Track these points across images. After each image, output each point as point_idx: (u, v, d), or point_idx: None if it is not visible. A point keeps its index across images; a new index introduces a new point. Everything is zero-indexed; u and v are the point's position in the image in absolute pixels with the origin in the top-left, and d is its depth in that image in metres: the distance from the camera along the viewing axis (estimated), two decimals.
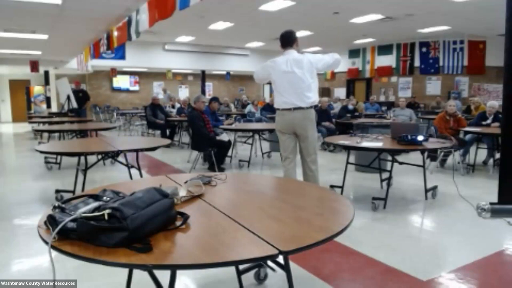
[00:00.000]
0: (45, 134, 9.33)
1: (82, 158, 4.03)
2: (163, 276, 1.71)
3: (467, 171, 5.76)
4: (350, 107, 8.89)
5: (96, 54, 9.98)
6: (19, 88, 17.21)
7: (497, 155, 5.99)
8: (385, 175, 4.74)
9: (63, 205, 1.33)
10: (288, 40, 3.74)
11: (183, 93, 18.11)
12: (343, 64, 15.75)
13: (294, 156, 3.82)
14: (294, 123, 3.67)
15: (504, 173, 1.53)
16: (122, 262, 1.10)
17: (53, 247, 1.17)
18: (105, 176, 5.70)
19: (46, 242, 1.19)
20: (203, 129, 5.74)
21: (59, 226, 1.18)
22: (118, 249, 1.15)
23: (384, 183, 4.63)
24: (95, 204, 1.29)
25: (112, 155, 4.00)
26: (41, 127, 8.72)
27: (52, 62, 15.10)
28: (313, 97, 3.65)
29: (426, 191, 4.36)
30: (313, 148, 3.75)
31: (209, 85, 18.82)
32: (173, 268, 1.44)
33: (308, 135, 3.69)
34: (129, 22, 6.95)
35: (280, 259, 1.36)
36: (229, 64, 15.74)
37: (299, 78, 3.59)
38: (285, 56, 3.70)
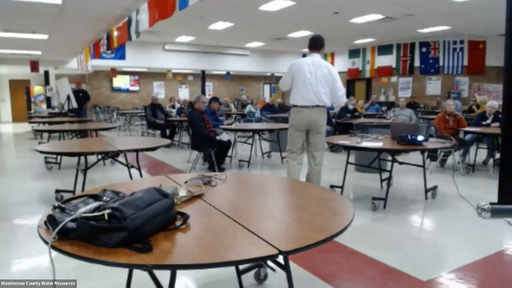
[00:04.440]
0: (45, 134, 9.33)
1: (82, 158, 4.03)
2: (163, 276, 1.71)
3: (467, 171, 5.76)
4: (350, 107, 8.89)
5: (96, 54, 9.98)
6: (19, 88, 17.21)
7: (497, 155, 5.99)
8: (385, 175, 4.74)
9: (63, 205, 1.33)
10: (316, 44, 3.98)
11: (183, 93, 18.11)
12: (343, 64, 15.77)
13: (302, 152, 4.07)
14: (310, 120, 3.89)
15: (504, 173, 1.53)
16: (122, 262, 1.10)
17: (53, 247, 1.17)
18: (105, 176, 5.69)
19: (46, 242, 1.19)
20: (203, 129, 5.74)
21: (59, 226, 1.18)
22: (118, 249, 1.15)
23: (384, 183, 4.63)
24: (95, 204, 1.29)
25: (112, 155, 4.00)
26: (41, 127, 8.72)
27: (52, 62, 15.09)
28: (327, 100, 3.92)
29: (426, 191, 4.36)
30: (322, 144, 4.01)
31: (209, 85, 18.81)
32: (173, 268, 1.44)
33: (321, 130, 3.95)
34: (129, 22, 6.95)
35: (280, 259, 1.36)
36: (229, 64, 15.73)
37: (319, 80, 3.84)
38: (311, 58, 3.93)
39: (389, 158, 4.33)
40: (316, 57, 3.92)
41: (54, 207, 1.33)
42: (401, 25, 10.41)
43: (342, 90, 3.98)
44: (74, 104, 8.99)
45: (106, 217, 1.17)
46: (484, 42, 12.24)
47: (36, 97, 16.16)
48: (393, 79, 14.06)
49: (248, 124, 8.52)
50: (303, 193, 1.98)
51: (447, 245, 3.11)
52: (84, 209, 1.25)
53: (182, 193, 1.73)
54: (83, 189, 3.95)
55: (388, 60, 13.98)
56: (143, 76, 17.46)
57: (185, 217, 1.40)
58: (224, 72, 17.26)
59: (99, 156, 4.26)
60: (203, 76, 15.82)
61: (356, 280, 2.47)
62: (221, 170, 5.78)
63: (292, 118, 4.00)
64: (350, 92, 15.64)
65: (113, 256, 1.12)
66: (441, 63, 12.70)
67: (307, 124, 3.92)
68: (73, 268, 2.48)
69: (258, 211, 1.65)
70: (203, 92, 15.59)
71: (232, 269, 2.28)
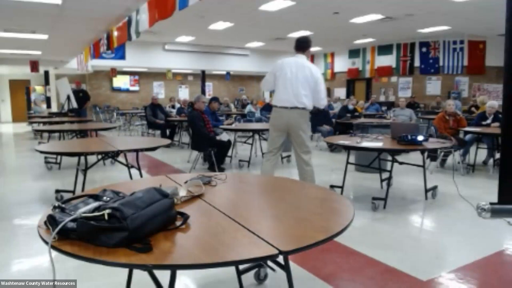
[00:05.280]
0: (45, 134, 9.33)
1: (82, 158, 4.03)
2: (163, 276, 1.71)
3: (467, 171, 5.76)
4: (350, 107, 8.89)
5: (96, 54, 9.97)
6: (19, 88, 17.21)
7: (497, 155, 5.99)
8: (385, 175, 4.74)
9: (63, 205, 1.33)
10: (302, 46, 3.95)
11: (183, 93, 18.11)
12: (343, 64, 15.78)
13: (278, 152, 4.07)
14: (289, 121, 3.85)
15: (504, 173, 1.53)
16: (122, 262, 1.10)
17: (53, 247, 1.17)
18: (105, 176, 5.69)
19: (46, 242, 1.19)
20: (203, 129, 5.74)
21: (59, 226, 1.18)
22: (118, 249, 1.15)
23: (384, 183, 4.63)
24: (95, 204, 1.29)
25: (112, 155, 4.00)
26: (41, 127, 8.72)
27: (52, 62, 15.08)
28: (308, 102, 3.85)
29: (426, 191, 4.36)
30: (307, 146, 3.95)
31: (209, 85, 18.80)
32: (173, 268, 1.44)
33: (300, 133, 3.88)
34: (129, 22, 6.95)
35: (280, 259, 1.36)
36: (229, 64, 15.73)
37: (299, 82, 3.79)
38: (295, 58, 3.89)
39: (389, 158, 4.33)
40: (300, 58, 3.88)
41: (54, 207, 1.32)
42: (401, 25, 10.41)
43: (324, 93, 3.93)
44: (74, 104, 8.99)
45: (106, 217, 1.17)
46: (484, 42, 12.24)
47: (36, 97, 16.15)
48: (393, 79, 14.07)
49: (248, 124, 8.51)
50: (303, 193, 1.98)
51: (447, 245, 3.11)
52: (84, 209, 1.25)
53: (182, 193, 1.73)
54: (83, 189, 3.95)
55: (388, 60, 13.99)
56: (143, 76, 17.45)
57: (185, 217, 1.40)
58: (224, 72, 17.26)
59: (99, 156, 4.26)
60: (203, 76, 15.82)
61: (356, 280, 2.47)
62: (221, 170, 5.78)
63: (271, 117, 4.03)
64: (350, 92, 15.64)
65: (113, 256, 1.12)
66: (441, 63, 12.71)
67: (286, 126, 3.88)
68: (73, 268, 2.48)
69: (258, 211, 1.65)
70: (203, 92, 15.59)
71: (232, 269, 2.27)
